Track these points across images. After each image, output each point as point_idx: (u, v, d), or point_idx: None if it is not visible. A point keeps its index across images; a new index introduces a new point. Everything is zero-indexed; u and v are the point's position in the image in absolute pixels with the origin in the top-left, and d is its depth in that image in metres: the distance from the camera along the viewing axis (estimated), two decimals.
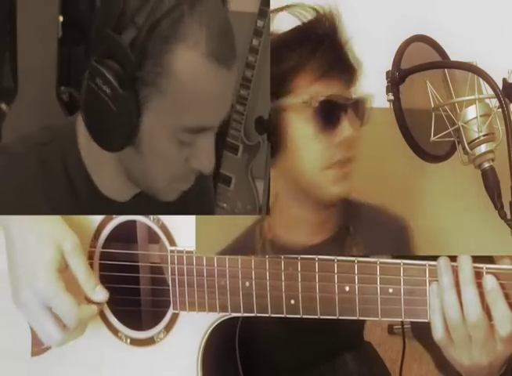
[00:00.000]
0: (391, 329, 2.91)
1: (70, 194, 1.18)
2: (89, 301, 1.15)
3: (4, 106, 2.33)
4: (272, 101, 1.12)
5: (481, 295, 1.01)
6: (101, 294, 1.15)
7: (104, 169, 1.19)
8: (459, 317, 1.02)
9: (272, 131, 1.13)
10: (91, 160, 1.19)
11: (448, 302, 1.02)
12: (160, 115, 1.07)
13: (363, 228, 1.19)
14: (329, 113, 1.10)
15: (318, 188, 1.12)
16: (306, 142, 1.11)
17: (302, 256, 1.08)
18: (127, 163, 1.16)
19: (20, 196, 1.14)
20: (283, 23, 1.15)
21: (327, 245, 1.17)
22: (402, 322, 1.13)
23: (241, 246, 1.18)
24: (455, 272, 1.02)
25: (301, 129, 1.11)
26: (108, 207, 1.21)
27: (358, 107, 1.11)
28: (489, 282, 1.01)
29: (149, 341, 1.19)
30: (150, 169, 1.13)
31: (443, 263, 1.03)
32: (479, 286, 1.01)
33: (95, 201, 1.20)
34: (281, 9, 1.15)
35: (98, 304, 1.16)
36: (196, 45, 1.03)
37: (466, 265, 1.02)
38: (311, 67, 1.10)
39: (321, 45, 1.11)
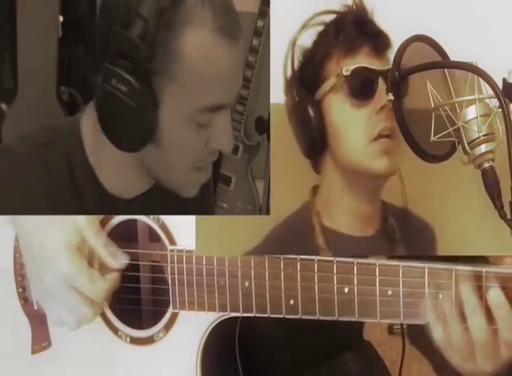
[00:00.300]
0: (391, 329, 2.90)
1: (75, 195, 1.18)
2: (106, 271, 1.16)
3: (4, 106, 2.32)
4: (311, 98, 1.14)
5: (481, 297, 1.00)
6: (122, 258, 1.17)
7: (114, 169, 1.19)
8: (463, 336, 1.00)
9: (318, 128, 1.14)
10: (99, 161, 1.19)
11: (453, 331, 1.01)
12: (176, 101, 1.08)
13: (401, 228, 1.20)
14: (363, 82, 1.11)
15: (365, 164, 1.12)
16: (347, 119, 1.13)
17: (301, 256, 1.08)
18: (147, 161, 1.16)
19: (23, 197, 1.14)
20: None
21: (376, 240, 1.18)
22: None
23: (293, 228, 1.18)
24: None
25: (340, 108, 1.13)
26: (114, 206, 1.21)
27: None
28: (495, 299, 0.98)
29: (149, 340, 1.19)
30: (171, 160, 1.14)
31: (467, 290, 1.01)
32: (479, 289, 1.00)
33: (101, 201, 1.20)
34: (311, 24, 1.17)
35: (117, 271, 1.17)
36: (203, 22, 1.05)
37: (469, 297, 1.00)
38: (337, 49, 1.13)
39: (343, 25, 1.13)
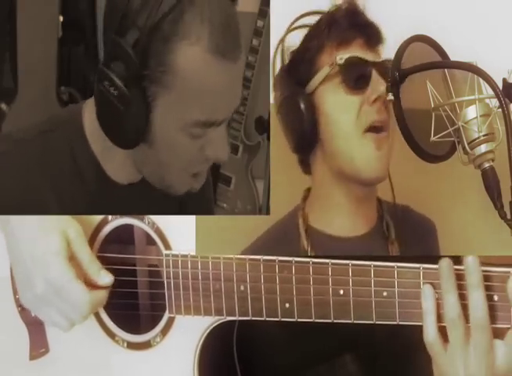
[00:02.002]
0: None
1: (78, 181, 1.18)
2: (95, 287, 1.16)
3: (4, 106, 2.32)
4: (302, 91, 1.13)
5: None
6: (106, 277, 1.16)
7: (115, 155, 1.18)
8: (458, 318, 1.00)
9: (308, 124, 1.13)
10: (101, 148, 1.18)
11: (449, 304, 1.01)
12: (169, 110, 1.08)
13: (398, 227, 1.19)
14: (357, 71, 1.11)
15: (356, 161, 1.11)
16: (340, 105, 1.12)
17: (296, 259, 1.08)
18: (140, 159, 1.16)
19: (25, 183, 1.14)
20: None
21: (369, 238, 1.18)
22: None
23: (280, 235, 1.18)
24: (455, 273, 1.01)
25: (333, 96, 1.13)
26: (116, 191, 1.21)
27: (385, 69, 1.11)
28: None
29: (146, 345, 1.19)
30: (164, 161, 1.13)
31: (446, 265, 1.02)
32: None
33: (102, 187, 1.20)
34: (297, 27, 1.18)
35: (105, 289, 1.16)
36: (198, 41, 1.04)
37: (474, 268, 1.00)
38: (330, 41, 1.13)
39: (335, 18, 1.13)
